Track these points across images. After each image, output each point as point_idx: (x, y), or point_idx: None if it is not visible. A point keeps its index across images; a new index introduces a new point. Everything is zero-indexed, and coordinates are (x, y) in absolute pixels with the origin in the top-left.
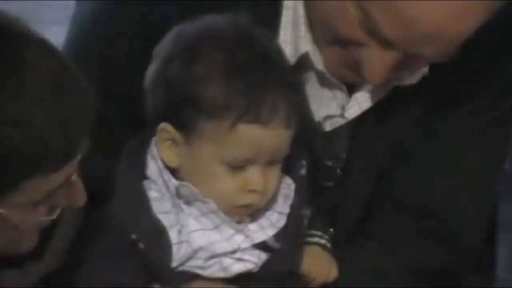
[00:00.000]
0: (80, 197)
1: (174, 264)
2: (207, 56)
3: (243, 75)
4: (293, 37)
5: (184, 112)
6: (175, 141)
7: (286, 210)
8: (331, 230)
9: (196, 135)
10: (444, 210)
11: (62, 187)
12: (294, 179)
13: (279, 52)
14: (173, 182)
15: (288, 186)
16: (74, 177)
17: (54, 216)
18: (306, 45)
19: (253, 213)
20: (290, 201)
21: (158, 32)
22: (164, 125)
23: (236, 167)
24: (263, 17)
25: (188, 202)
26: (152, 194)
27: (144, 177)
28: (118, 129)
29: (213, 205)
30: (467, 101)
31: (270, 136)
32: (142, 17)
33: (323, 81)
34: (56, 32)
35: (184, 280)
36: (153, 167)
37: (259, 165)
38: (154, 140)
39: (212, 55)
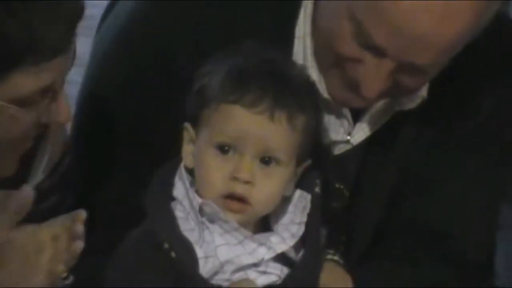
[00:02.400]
0: (64, 113)
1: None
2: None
3: (244, 70)
4: (302, 57)
5: (194, 104)
6: (192, 140)
7: (304, 219)
8: (342, 248)
9: (199, 126)
10: (455, 233)
11: (48, 94)
12: (310, 193)
13: (298, 71)
14: (197, 199)
15: (305, 199)
16: (60, 91)
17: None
18: (313, 75)
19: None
20: (307, 211)
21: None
22: (186, 125)
23: (224, 150)
24: (277, 45)
25: (211, 220)
26: (178, 213)
27: (172, 197)
28: (144, 150)
29: (234, 224)
30: (469, 124)
31: (253, 121)
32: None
33: (330, 109)
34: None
35: None
36: (180, 187)
37: (249, 156)
38: (182, 164)
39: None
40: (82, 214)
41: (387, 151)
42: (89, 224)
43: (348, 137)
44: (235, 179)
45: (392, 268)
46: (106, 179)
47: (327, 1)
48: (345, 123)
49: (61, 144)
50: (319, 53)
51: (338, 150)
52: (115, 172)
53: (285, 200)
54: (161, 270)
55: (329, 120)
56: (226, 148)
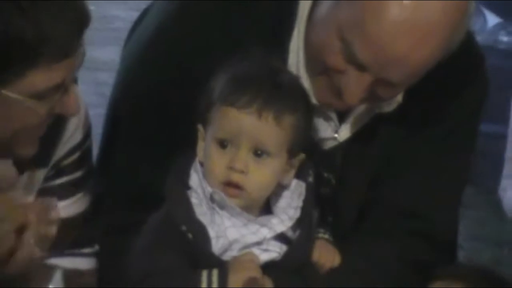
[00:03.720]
0: (73, 106)
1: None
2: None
3: (241, 78)
4: (295, 69)
5: (204, 107)
6: (202, 138)
7: (300, 204)
8: (330, 228)
9: (207, 125)
10: (426, 212)
11: (60, 90)
12: (305, 182)
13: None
14: (208, 189)
15: (301, 186)
16: (70, 87)
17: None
18: (305, 83)
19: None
20: (302, 197)
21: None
22: (199, 126)
23: (224, 145)
24: (275, 58)
25: (220, 206)
26: (193, 200)
27: (188, 186)
28: (165, 147)
29: (238, 209)
30: (435, 123)
31: (245, 120)
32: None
33: (319, 112)
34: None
35: (222, 265)
36: (195, 178)
37: (245, 150)
38: (197, 158)
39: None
40: (55, 202)
41: (367, 146)
42: (114, 205)
43: (335, 135)
44: (231, 169)
45: (373, 243)
46: (132, 169)
47: (320, 19)
48: (332, 123)
49: (82, 127)
50: (309, 64)
51: (326, 146)
52: (140, 163)
53: (284, 188)
54: (179, 248)
55: (319, 121)
56: (225, 143)
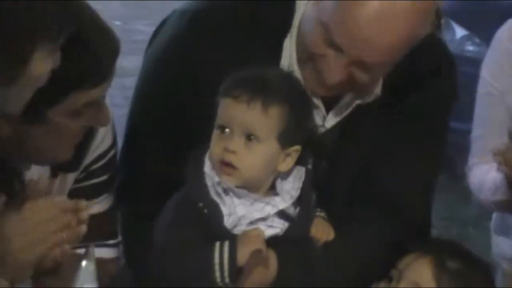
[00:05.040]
0: (105, 119)
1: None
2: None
3: (239, 77)
4: (287, 65)
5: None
6: None
7: (300, 185)
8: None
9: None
10: (404, 198)
11: (94, 105)
12: (304, 167)
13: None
14: (216, 179)
15: (301, 171)
16: (102, 103)
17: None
18: (297, 76)
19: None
20: (302, 180)
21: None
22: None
23: (223, 130)
24: (268, 57)
25: (227, 191)
26: (208, 183)
27: (203, 171)
28: (180, 142)
29: (243, 192)
30: (410, 117)
31: (236, 108)
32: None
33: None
34: None
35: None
36: (208, 165)
37: (238, 135)
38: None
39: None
40: (84, 203)
41: (352, 133)
42: (137, 196)
43: (323, 123)
44: (225, 150)
45: (361, 224)
46: (152, 163)
47: (307, 11)
48: (320, 113)
49: (109, 136)
50: (300, 58)
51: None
52: (159, 157)
53: (287, 173)
54: (196, 223)
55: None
56: (224, 128)
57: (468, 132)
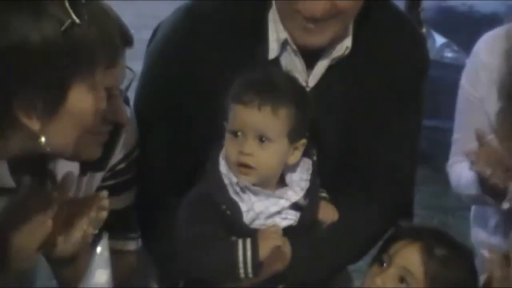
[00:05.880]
0: (121, 114)
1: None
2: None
3: (247, 82)
4: (276, 35)
5: (226, 106)
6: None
7: (309, 177)
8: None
9: (228, 120)
10: (390, 158)
11: (111, 100)
12: (310, 159)
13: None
14: (234, 179)
15: (308, 163)
16: (118, 99)
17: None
18: (283, 35)
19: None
20: (310, 171)
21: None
22: (224, 123)
23: (236, 135)
24: (256, 35)
25: (244, 190)
26: (226, 182)
27: (220, 172)
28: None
29: (258, 189)
30: (383, 81)
31: (248, 113)
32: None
33: (292, 66)
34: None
35: (251, 233)
36: (223, 164)
37: (251, 138)
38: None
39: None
40: (105, 193)
41: (329, 92)
42: (155, 193)
43: (305, 83)
44: (241, 153)
45: (357, 193)
46: (166, 159)
47: None
48: (303, 74)
49: (132, 139)
50: (283, 17)
51: None
52: (172, 153)
53: (295, 165)
54: (216, 220)
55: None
56: (236, 133)
57: (447, 129)
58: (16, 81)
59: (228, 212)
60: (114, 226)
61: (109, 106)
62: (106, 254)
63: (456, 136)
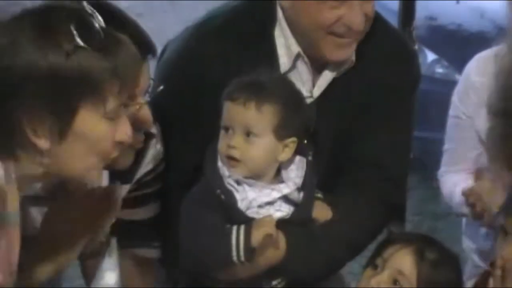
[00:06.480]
0: (147, 122)
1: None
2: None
3: (239, 81)
4: (285, 50)
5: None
6: None
7: (303, 173)
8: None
9: None
10: (385, 162)
11: (136, 103)
12: (305, 158)
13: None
14: (227, 173)
15: (303, 162)
16: (143, 105)
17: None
18: (297, 48)
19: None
20: (304, 169)
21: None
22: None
23: (227, 130)
24: (263, 50)
25: (239, 182)
26: (222, 175)
27: (217, 165)
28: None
29: (251, 181)
30: (381, 90)
31: (237, 109)
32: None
33: (297, 78)
34: None
35: (247, 221)
36: (219, 159)
37: (239, 133)
38: None
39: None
40: (118, 186)
41: (332, 103)
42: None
43: (311, 94)
44: (229, 146)
45: (353, 192)
46: (177, 157)
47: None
48: (307, 85)
49: (158, 154)
50: (309, 39)
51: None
52: (184, 153)
53: (290, 163)
54: (215, 207)
55: (297, 84)
56: (227, 128)
57: (436, 140)
58: (23, 100)
59: (223, 197)
60: (138, 234)
61: (135, 114)
62: (115, 256)
63: (446, 147)
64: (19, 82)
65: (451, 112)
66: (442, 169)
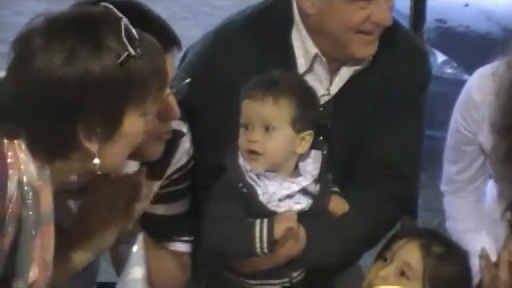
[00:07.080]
0: (173, 112)
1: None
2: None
3: (256, 81)
4: (303, 51)
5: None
6: None
7: (318, 166)
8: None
9: None
10: (399, 160)
11: (163, 98)
12: (321, 152)
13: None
14: (247, 167)
15: (318, 155)
16: (170, 98)
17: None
18: (314, 49)
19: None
20: (320, 161)
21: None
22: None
23: (246, 126)
24: (281, 52)
25: (259, 176)
26: (244, 169)
27: (238, 163)
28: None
29: (271, 174)
30: (393, 94)
31: (255, 105)
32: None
33: (314, 78)
34: None
35: (269, 215)
36: (240, 156)
37: (258, 127)
38: None
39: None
40: (142, 175)
41: (348, 101)
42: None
43: (328, 92)
44: (249, 141)
45: (366, 187)
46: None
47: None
48: (324, 84)
49: (188, 152)
50: (335, 42)
51: (322, 101)
52: (203, 153)
53: (307, 157)
54: (238, 200)
55: (315, 84)
56: (246, 125)
57: (445, 139)
58: (79, 108)
59: (244, 190)
60: (170, 229)
61: (162, 105)
62: (142, 252)
63: (446, 156)
64: (76, 92)
65: (452, 125)
66: (443, 187)
